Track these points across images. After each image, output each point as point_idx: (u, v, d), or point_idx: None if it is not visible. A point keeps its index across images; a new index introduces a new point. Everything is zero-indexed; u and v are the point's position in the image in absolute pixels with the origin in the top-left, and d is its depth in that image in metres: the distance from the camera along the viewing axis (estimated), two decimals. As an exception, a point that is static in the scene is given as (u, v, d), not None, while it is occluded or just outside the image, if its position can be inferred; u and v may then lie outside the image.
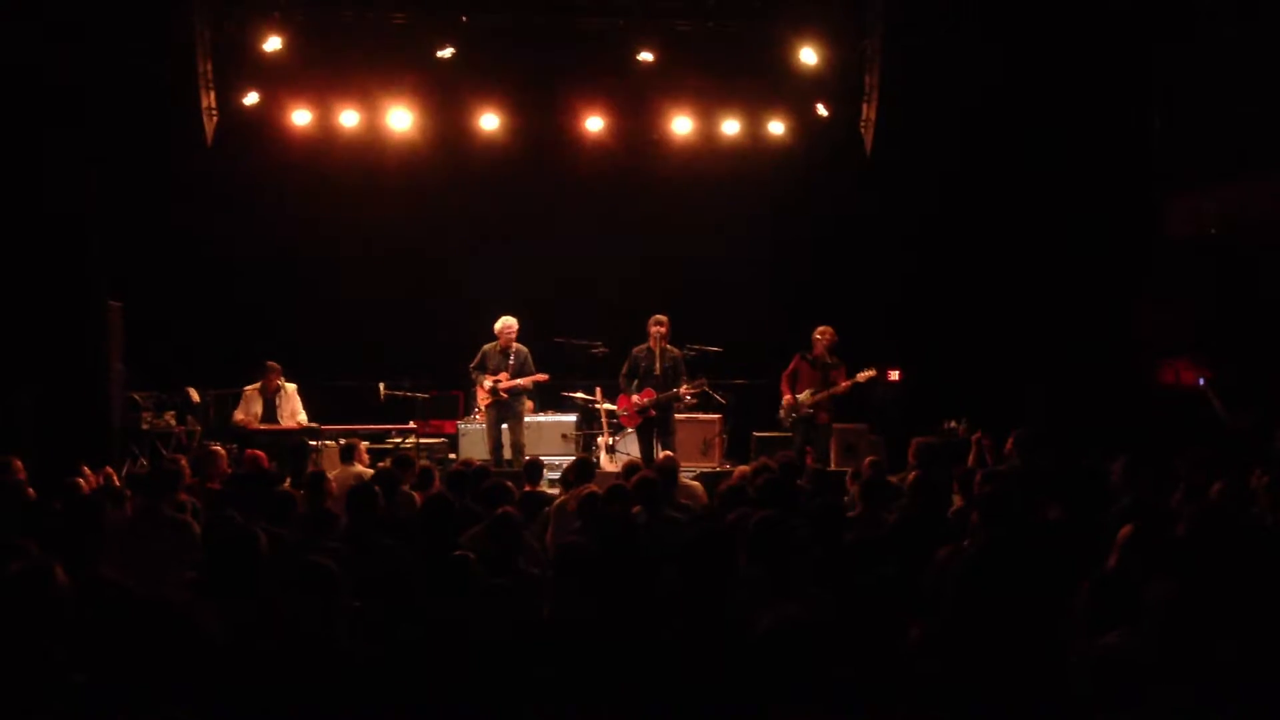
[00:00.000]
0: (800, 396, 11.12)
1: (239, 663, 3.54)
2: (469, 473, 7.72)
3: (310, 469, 8.92)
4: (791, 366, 11.29)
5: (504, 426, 11.60)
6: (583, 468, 7.73)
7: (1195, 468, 6.57)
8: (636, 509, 6.52)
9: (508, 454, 11.49)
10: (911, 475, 6.89)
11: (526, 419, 11.91)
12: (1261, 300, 11.23)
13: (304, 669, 3.56)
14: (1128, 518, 4.68)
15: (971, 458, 8.99)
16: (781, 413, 11.32)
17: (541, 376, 11.62)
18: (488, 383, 11.49)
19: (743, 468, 8.51)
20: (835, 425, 11.62)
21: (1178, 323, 12.21)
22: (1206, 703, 2.77)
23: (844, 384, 11.07)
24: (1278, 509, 5.77)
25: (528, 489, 8.14)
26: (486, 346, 11.64)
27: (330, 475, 7.99)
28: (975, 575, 3.47)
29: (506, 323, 11.60)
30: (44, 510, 6.06)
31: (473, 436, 12.32)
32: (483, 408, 11.79)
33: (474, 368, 11.68)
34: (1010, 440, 8.20)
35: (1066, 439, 9.64)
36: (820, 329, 11.22)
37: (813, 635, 3.00)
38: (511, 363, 11.51)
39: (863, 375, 11.05)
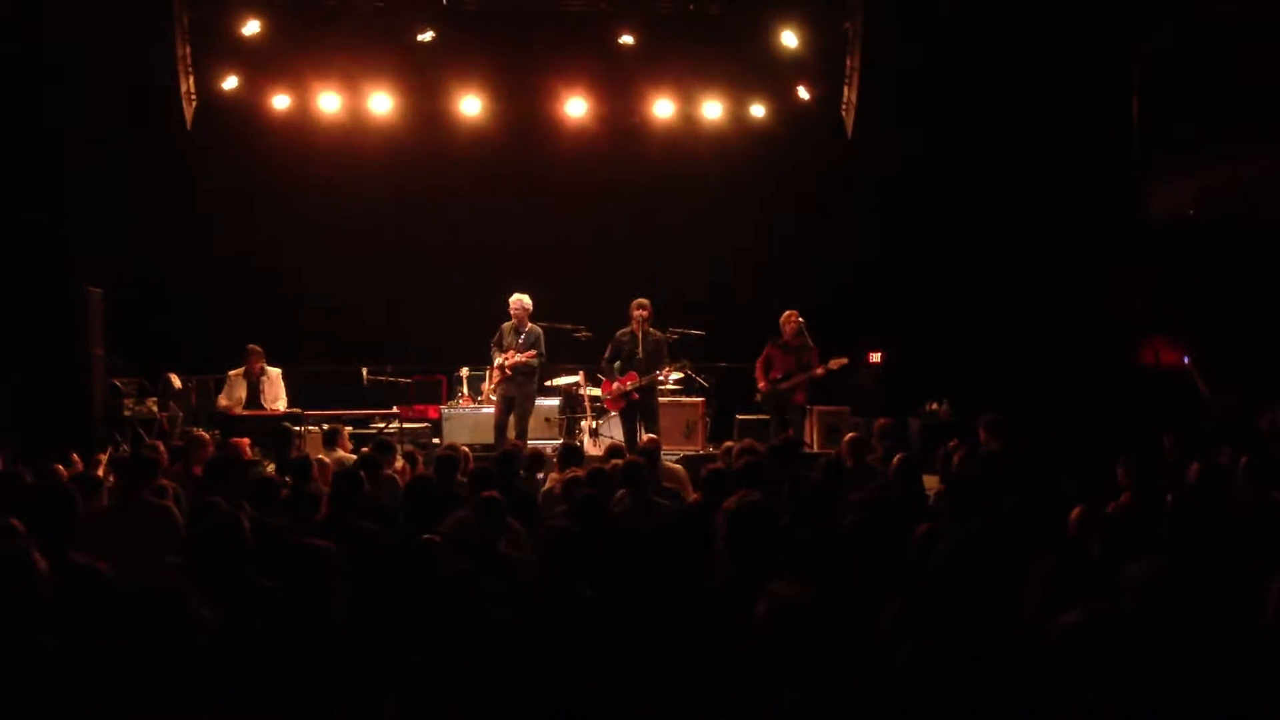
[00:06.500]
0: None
1: (229, 647, 3.53)
2: (455, 457, 7.73)
3: (295, 454, 8.87)
4: (764, 354, 11.43)
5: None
6: (569, 453, 7.77)
7: (1175, 447, 6.62)
8: (621, 493, 6.53)
9: (512, 434, 11.39)
10: (897, 458, 6.88)
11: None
12: (1241, 280, 11.29)
13: (299, 653, 3.55)
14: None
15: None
16: (758, 397, 11.52)
17: (530, 353, 11.50)
18: (498, 360, 11.50)
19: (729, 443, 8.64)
20: (816, 408, 11.76)
21: (1158, 303, 12.28)
22: (1173, 681, 2.80)
23: (819, 369, 11.18)
24: (1256, 488, 5.81)
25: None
26: (505, 324, 11.63)
27: (324, 459, 8.01)
28: (954, 556, 3.48)
29: (514, 299, 11.58)
30: (15, 496, 6.00)
31: (456, 421, 12.29)
32: (494, 385, 11.77)
33: (493, 343, 11.68)
34: (980, 426, 8.28)
35: (1047, 422, 9.71)
36: (786, 314, 11.34)
37: (810, 619, 3.00)
38: (521, 341, 11.48)
39: (835, 362, 11.21)
